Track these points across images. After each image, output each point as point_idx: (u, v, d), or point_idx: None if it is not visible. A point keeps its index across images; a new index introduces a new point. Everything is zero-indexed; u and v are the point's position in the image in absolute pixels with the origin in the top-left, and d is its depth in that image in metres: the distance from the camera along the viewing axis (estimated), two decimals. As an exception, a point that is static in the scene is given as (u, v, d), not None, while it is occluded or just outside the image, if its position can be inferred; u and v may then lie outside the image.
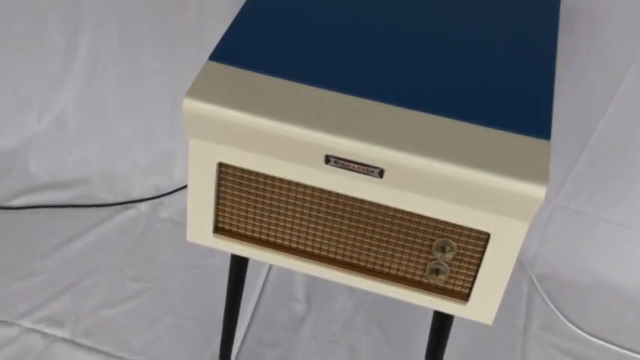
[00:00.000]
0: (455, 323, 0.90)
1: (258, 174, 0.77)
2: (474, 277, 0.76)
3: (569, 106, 1.26)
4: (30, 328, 1.21)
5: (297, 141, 0.70)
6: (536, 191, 0.65)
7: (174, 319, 1.24)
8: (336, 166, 0.71)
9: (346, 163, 0.70)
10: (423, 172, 0.68)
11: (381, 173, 0.70)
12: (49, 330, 1.21)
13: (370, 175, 0.71)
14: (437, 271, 0.77)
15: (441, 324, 0.88)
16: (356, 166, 0.70)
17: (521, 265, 1.38)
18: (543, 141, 0.70)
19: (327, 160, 0.71)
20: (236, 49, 0.77)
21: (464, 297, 0.78)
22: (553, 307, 1.31)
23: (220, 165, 0.77)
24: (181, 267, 1.33)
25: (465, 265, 0.76)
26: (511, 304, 1.30)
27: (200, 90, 0.71)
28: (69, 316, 1.23)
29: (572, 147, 1.31)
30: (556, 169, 1.35)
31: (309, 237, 0.80)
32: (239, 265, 0.96)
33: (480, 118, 0.71)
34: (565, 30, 1.16)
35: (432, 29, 0.83)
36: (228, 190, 0.79)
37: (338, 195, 0.75)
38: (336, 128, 0.69)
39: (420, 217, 0.74)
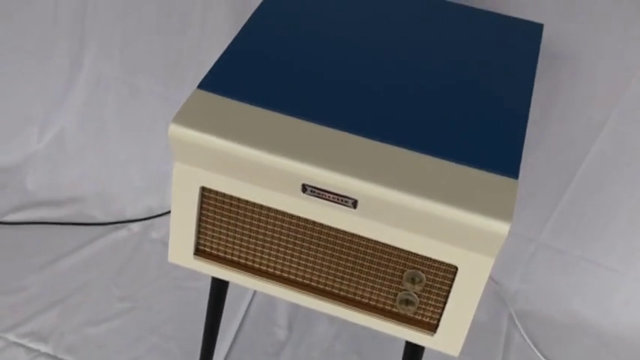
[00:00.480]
0: (432, 356, 0.92)
1: (239, 199, 0.80)
2: (442, 309, 0.79)
3: (553, 146, 1.29)
4: (14, 342, 1.23)
5: (276, 169, 0.73)
6: (500, 227, 0.68)
7: (158, 339, 1.26)
8: (313, 195, 0.74)
9: (322, 192, 0.73)
10: (394, 205, 0.71)
11: (354, 204, 0.73)
12: (32, 345, 1.23)
13: (344, 205, 0.74)
14: (407, 302, 0.80)
15: (412, 354, 0.90)
16: (331, 195, 0.73)
17: (502, 301, 1.40)
18: (511, 179, 0.73)
19: (304, 189, 0.74)
20: (224, 79, 0.80)
21: (432, 328, 0.80)
22: (531, 344, 1.32)
23: (203, 189, 0.80)
24: (168, 288, 1.35)
25: (434, 297, 0.79)
26: (490, 339, 1.32)
27: (186, 117, 0.75)
28: (54, 331, 1.25)
29: (555, 186, 1.34)
30: (540, 208, 1.38)
31: (286, 263, 0.83)
32: (219, 288, 0.98)
33: (452, 154, 0.74)
34: (549, 72, 1.20)
35: (414, 67, 0.87)
36: (209, 214, 0.82)
37: (314, 223, 0.78)
38: (313, 158, 0.72)
39: (392, 248, 0.77)
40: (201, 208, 0.82)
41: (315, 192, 0.74)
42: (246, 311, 1.32)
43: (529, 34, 0.96)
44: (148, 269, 1.38)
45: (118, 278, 1.36)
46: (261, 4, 0.94)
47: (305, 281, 0.83)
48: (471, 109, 0.81)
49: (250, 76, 0.81)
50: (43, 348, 1.23)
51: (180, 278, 1.36)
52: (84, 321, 1.28)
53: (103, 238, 1.43)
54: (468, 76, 0.87)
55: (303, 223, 0.79)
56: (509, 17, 0.99)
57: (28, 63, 1.52)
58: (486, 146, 0.76)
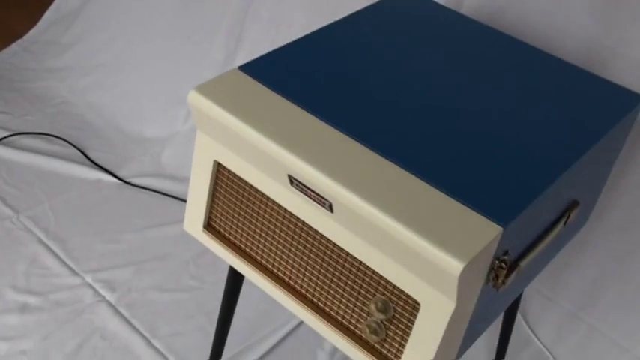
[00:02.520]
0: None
1: (245, 182, 0.81)
2: (405, 347, 0.73)
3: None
4: (89, 283, 1.35)
5: (267, 154, 0.73)
6: (452, 264, 0.62)
7: (207, 322, 1.30)
8: (297, 190, 0.73)
9: (304, 188, 0.72)
10: (359, 214, 0.67)
11: (331, 207, 0.71)
12: (101, 290, 1.34)
13: (323, 206, 0.72)
14: (372, 329, 0.75)
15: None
16: (311, 193, 0.72)
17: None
18: (494, 225, 0.66)
19: (291, 181, 0.73)
20: (265, 66, 0.83)
21: (392, 366, 0.74)
22: None
23: (218, 165, 0.83)
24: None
25: (400, 333, 0.73)
26: None
27: (208, 87, 0.78)
28: (123, 285, 1.35)
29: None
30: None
31: (277, 258, 0.82)
32: (236, 277, 0.99)
33: (450, 187, 0.69)
34: None
35: (467, 99, 0.82)
36: (221, 191, 0.84)
37: (303, 223, 0.77)
38: (300, 151, 0.71)
39: (365, 266, 0.73)
40: (215, 184, 0.84)
41: (299, 186, 0.73)
42: (297, 326, 1.31)
43: (619, 101, 0.86)
44: (227, 258, 1.43)
45: (198, 258, 1.43)
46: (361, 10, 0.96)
47: (290, 282, 0.82)
48: (503, 153, 0.75)
49: (292, 70, 0.83)
50: (108, 296, 1.33)
51: (250, 275, 1.39)
52: (152, 285, 1.36)
53: (202, 220, 1.51)
54: (525, 122, 0.80)
55: (294, 220, 0.78)
56: (607, 81, 0.89)
57: (191, 52, 1.67)
58: (492, 190, 0.70)
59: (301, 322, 1.32)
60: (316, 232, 0.76)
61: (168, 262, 1.42)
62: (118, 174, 1.62)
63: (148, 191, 1.59)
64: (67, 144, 1.68)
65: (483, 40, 0.94)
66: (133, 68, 1.82)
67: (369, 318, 0.75)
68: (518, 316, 1.29)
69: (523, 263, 0.76)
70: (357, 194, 0.67)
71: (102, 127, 1.76)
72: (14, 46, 2.01)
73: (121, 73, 1.84)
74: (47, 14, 2.06)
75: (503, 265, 0.70)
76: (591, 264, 1.19)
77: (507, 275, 0.72)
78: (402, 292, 0.71)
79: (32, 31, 2.05)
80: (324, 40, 0.89)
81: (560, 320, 1.25)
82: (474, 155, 0.74)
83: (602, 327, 1.20)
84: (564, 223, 0.84)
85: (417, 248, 0.64)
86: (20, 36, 2.04)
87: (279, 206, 0.78)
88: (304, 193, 0.73)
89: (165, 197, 1.57)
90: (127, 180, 1.61)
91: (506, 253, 0.70)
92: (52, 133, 1.70)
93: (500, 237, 0.66)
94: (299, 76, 0.82)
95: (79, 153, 1.66)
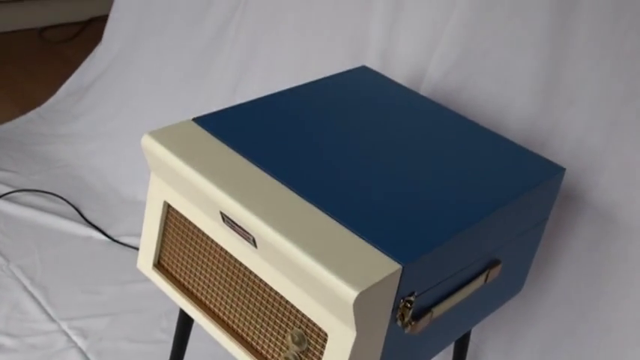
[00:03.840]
0: None
1: (189, 222, 0.89)
2: (316, 380, 0.77)
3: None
4: (63, 330, 1.41)
5: (203, 192, 0.81)
6: (347, 292, 0.68)
7: (170, 374, 1.35)
8: (228, 225, 0.81)
9: (232, 224, 0.80)
10: (274, 246, 0.74)
11: (254, 242, 0.78)
12: (74, 337, 1.39)
13: (247, 240, 0.79)
14: (289, 361, 0.80)
15: None
16: (238, 228, 0.79)
17: None
18: (394, 262, 0.72)
19: (223, 218, 0.81)
20: (214, 120, 0.92)
21: (305, 398, 0.79)
22: None
23: (168, 206, 0.91)
24: (205, 339, 1.44)
25: (314, 365, 0.78)
26: None
27: (160, 133, 0.88)
28: (96, 334, 1.41)
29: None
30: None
31: (213, 294, 0.88)
32: (185, 320, 1.05)
33: (360, 228, 0.76)
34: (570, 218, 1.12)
35: (403, 159, 0.90)
36: (170, 231, 0.92)
37: (235, 259, 0.84)
38: (229, 189, 0.79)
39: (286, 301, 0.79)
40: (165, 224, 0.92)
41: (229, 222, 0.80)
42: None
43: (542, 171, 0.93)
44: (198, 316, 1.49)
45: (171, 314, 1.49)
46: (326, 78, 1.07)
47: (224, 317, 0.88)
48: (419, 205, 0.82)
49: (239, 124, 0.92)
50: (80, 342, 1.39)
51: (218, 332, 1.44)
52: (123, 335, 1.42)
53: (180, 279, 1.58)
54: (448, 182, 0.87)
55: (228, 257, 0.85)
56: (536, 155, 0.97)
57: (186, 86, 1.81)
58: (400, 233, 0.77)
59: None
60: (246, 267, 0.83)
61: (142, 316, 1.48)
62: (108, 232, 1.71)
63: (133, 249, 1.67)
64: (65, 202, 1.78)
65: (432, 116, 1.03)
66: (134, 137, 1.94)
67: (287, 351, 0.80)
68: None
69: (436, 310, 0.81)
70: (272, 227, 0.75)
71: (100, 188, 1.87)
72: (31, 114, 2.17)
73: (124, 140, 1.96)
74: (64, 86, 2.23)
75: (408, 305, 0.76)
76: (540, 335, 1.22)
77: (416, 318, 0.78)
78: (314, 324, 0.77)
79: (50, 101, 2.21)
80: (277, 102, 0.99)
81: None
82: (391, 205, 0.81)
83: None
84: (485, 280, 0.90)
85: (320, 277, 0.70)
86: (39, 104, 2.20)
87: (216, 244, 0.86)
88: (233, 229, 0.80)
89: (150, 256, 1.64)
90: (116, 238, 1.69)
91: (412, 294, 0.76)
92: (52, 192, 1.81)
93: (400, 275, 0.72)
94: (245, 129, 0.91)
95: (75, 211, 1.76)
